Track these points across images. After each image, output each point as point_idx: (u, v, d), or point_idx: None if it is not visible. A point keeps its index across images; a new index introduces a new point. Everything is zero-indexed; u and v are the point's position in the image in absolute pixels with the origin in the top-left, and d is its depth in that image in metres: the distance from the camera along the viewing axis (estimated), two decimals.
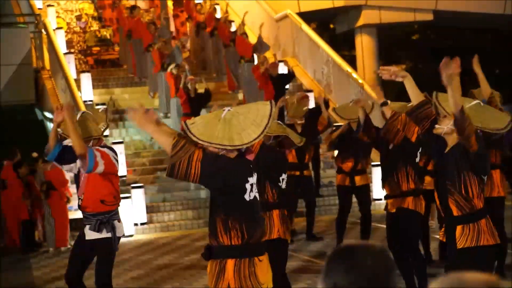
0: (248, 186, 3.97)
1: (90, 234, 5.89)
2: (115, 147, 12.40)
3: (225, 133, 3.90)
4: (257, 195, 4.05)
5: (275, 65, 13.95)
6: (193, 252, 9.61)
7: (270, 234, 5.70)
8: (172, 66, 13.53)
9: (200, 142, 3.89)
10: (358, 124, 7.17)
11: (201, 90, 13.44)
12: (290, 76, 14.12)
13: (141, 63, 15.50)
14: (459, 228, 4.63)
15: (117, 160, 5.93)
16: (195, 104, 12.93)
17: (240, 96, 15.47)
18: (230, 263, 3.96)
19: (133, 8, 15.94)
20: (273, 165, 5.79)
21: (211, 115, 4.08)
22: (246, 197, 3.97)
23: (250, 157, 4.05)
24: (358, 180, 8.81)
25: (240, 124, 3.94)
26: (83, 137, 5.73)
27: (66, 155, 5.79)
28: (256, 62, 14.77)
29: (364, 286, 1.90)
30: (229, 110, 3.99)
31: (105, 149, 5.84)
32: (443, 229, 4.84)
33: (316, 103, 11.99)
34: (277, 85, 13.52)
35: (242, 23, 15.30)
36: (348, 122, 8.72)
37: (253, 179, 4.02)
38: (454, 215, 4.64)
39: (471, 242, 4.61)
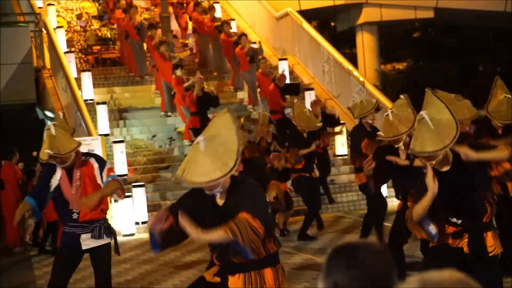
0: None
1: (89, 243, 5.67)
2: (116, 146, 12.44)
3: (217, 162, 3.87)
4: None
5: (283, 76, 13.90)
6: (195, 250, 9.60)
7: None
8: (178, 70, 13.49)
9: (206, 184, 3.88)
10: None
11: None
12: (297, 87, 14.06)
13: (140, 62, 15.49)
14: (490, 234, 4.58)
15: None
16: (202, 103, 12.84)
17: (240, 95, 15.45)
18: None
19: (130, 7, 15.91)
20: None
21: (191, 154, 3.99)
22: None
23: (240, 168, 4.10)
24: None
25: (220, 145, 3.92)
26: (66, 152, 5.51)
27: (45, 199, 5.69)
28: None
29: (365, 285, 1.88)
30: (203, 139, 3.94)
31: (93, 162, 5.70)
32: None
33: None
34: (284, 95, 13.44)
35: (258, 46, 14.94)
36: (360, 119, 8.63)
37: None
38: (484, 221, 4.56)
39: (499, 248, 4.61)
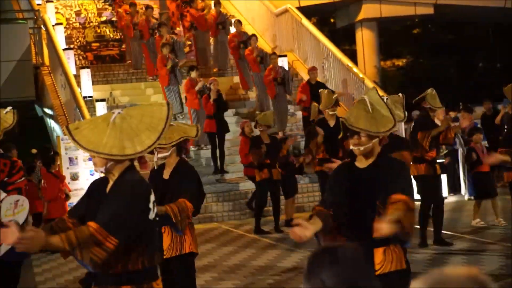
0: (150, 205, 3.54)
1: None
2: None
3: (115, 140, 3.44)
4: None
5: (314, 69, 13.72)
6: None
7: (182, 249, 5.54)
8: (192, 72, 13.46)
9: (86, 151, 3.47)
10: None
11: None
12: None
13: (154, 63, 15.40)
14: (381, 251, 4.09)
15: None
16: (218, 106, 12.71)
17: (251, 94, 15.37)
18: None
19: (146, 8, 15.85)
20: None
21: (99, 119, 3.58)
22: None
23: (145, 167, 3.62)
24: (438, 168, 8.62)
25: (132, 129, 3.48)
26: None
27: None
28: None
29: (349, 277, 1.96)
30: (119, 112, 3.52)
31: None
32: None
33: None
34: (315, 92, 12.49)
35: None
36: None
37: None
38: (373, 237, 3.99)
39: (390, 265, 4.09)
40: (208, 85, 13.04)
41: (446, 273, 1.81)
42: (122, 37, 16.90)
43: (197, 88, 13.21)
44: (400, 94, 7.16)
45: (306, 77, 16.03)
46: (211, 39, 16.41)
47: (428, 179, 8.55)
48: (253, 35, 15.06)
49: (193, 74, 13.48)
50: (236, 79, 15.85)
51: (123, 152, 3.43)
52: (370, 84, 14.49)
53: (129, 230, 3.43)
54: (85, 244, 3.34)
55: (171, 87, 14.06)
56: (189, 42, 16.99)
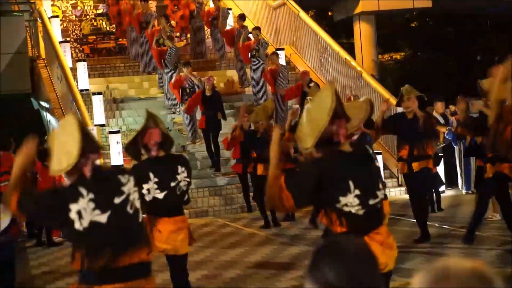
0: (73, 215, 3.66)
1: None
2: (112, 136, 12.35)
3: (56, 154, 3.70)
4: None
5: (306, 73, 13.74)
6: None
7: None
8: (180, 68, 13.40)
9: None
10: None
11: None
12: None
13: (147, 57, 15.34)
14: None
15: None
16: (208, 103, 12.71)
17: (248, 88, 15.33)
18: None
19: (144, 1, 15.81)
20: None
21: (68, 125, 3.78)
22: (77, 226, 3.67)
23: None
24: (415, 166, 8.47)
25: (62, 145, 3.69)
26: None
27: None
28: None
29: (353, 273, 1.92)
30: (55, 128, 3.77)
31: None
32: None
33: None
34: (306, 94, 12.53)
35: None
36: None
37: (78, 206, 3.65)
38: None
39: None
40: (203, 81, 12.96)
41: (450, 268, 1.74)
42: (119, 28, 16.78)
43: (197, 89, 13.16)
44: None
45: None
46: (207, 33, 16.35)
47: (404, 177, 8.90)
48: (255, 28, 14.98)
49: (185, 70, 13.37)
50: (232, 72, 15.81)
51: (60, 166, 3.66)
52: (368, 77, 14.45)
53: (35, 216, 3.89)
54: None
55: (166, 76, 14.01)
56: (183, 37, 16.93)
